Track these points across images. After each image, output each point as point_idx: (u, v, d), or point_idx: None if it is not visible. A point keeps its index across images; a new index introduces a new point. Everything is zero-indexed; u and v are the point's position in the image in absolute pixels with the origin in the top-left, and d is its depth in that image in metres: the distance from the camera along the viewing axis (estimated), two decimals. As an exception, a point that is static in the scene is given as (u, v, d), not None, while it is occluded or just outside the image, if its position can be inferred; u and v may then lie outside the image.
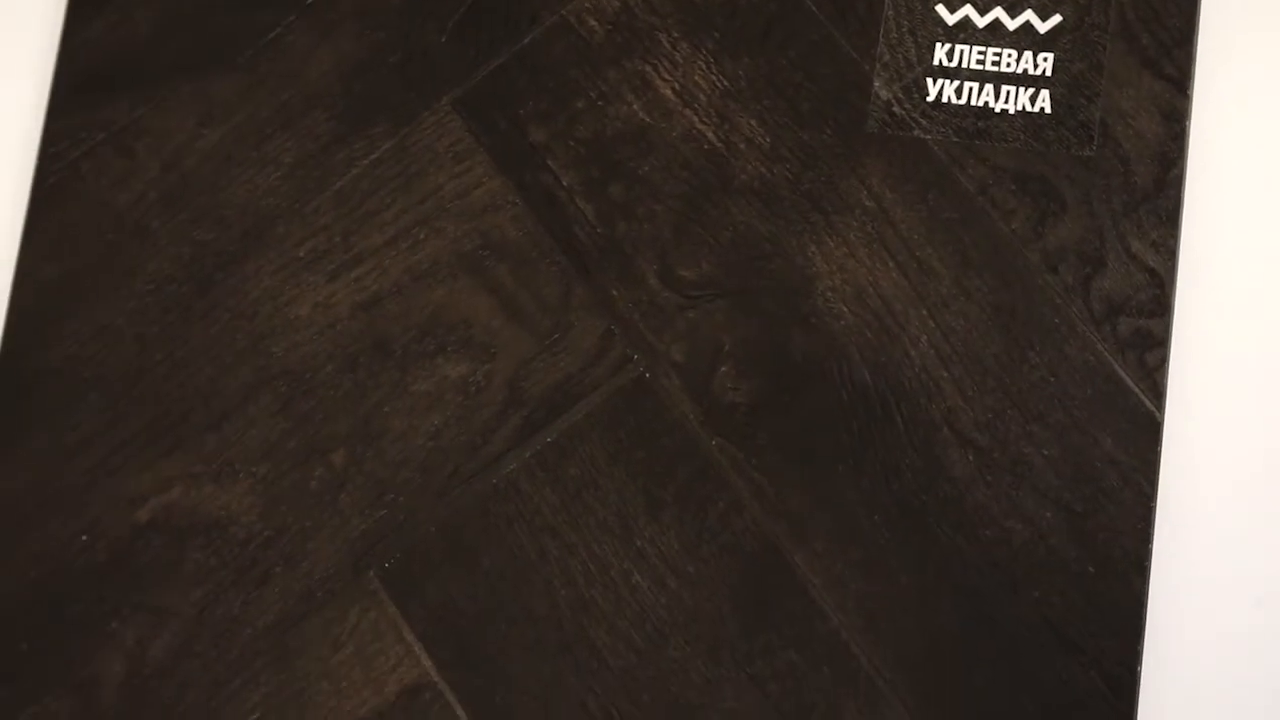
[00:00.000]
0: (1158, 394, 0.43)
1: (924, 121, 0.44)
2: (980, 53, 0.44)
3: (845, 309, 0.44)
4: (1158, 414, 0.43)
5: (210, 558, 0.46)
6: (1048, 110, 0.44)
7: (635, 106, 0.46)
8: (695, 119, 0.46)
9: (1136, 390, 0.43)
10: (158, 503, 0.47)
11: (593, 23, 0.47)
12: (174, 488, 0.47)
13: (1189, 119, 0.43)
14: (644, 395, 0.45)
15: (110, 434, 0.47)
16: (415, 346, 0.46)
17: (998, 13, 0.44)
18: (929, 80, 0.44)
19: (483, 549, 0.45)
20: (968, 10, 0.44)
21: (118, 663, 0.46)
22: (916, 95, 0.44)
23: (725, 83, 0.46)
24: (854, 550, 0.43)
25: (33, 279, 0.48)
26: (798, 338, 0.44)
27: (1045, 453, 0.43)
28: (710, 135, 0.46)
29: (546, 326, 0.46)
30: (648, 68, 0.46)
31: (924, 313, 0.44)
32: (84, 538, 0.47)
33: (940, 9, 0.44)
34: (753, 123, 0.45)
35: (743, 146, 0.45)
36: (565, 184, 0.46)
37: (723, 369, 0.45)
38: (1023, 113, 0.44)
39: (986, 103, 0.44)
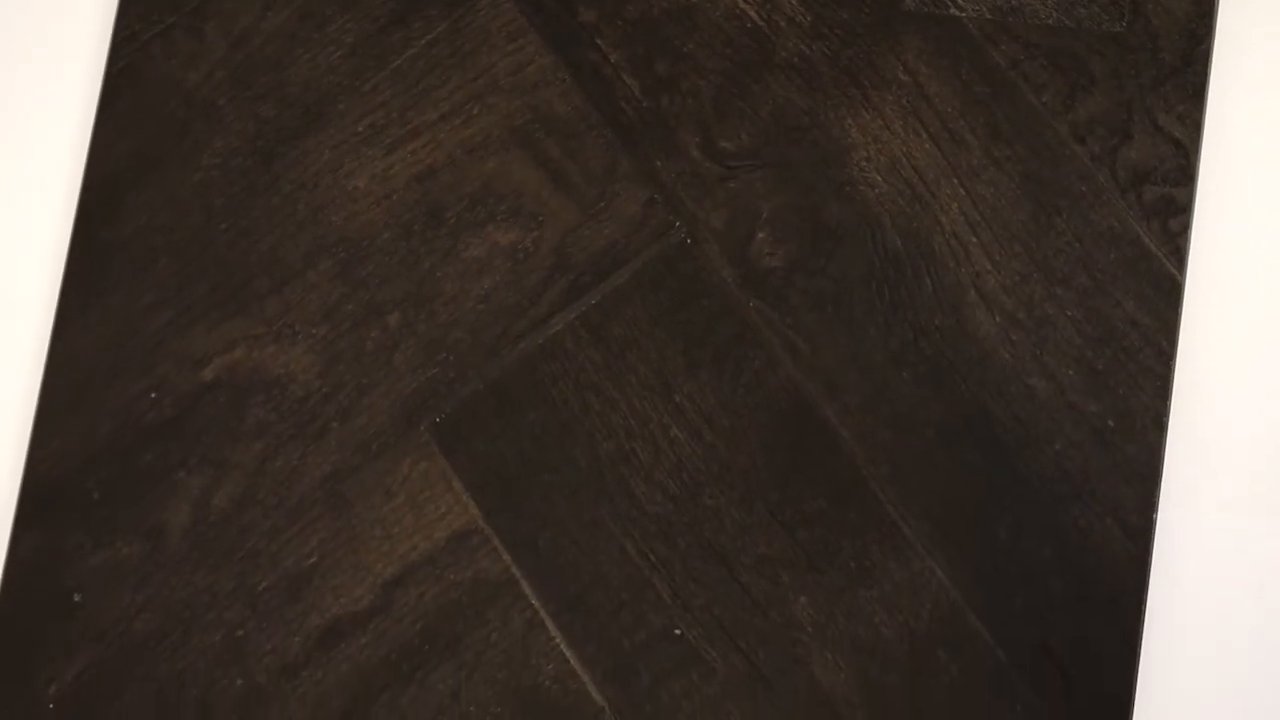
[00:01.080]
0: (1179, 259, 0.50)
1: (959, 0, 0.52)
2: (1014, -65, 0.51)
3: (879, 178, 0.51)
4: (1179, 278, 0.49)
5: (271, 413, 0.54)
6: (1080, -9, 0.50)
7: (680, -10, 0.53)
8: None
9: (1159, 254, 0.50)
10: (222, 362, 0.55)
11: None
12: (237, 348, 0.55)
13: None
14: (684, 260, 0.52)
15: (178, 298, 0.56)
16: (467, 215, 0.54)
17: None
18: (965, -37, 0.51)
19: (528, 404, 0.53)
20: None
21: (183, 511, 0.54)
22: (952, -23, 0.51)
23: (767, -33, 0.53)
24: (883, 405, 0.50)
25: (107, 154, 0.56)
26: (833, 206, 0.51)
27: (1069, 314, 0.50)
28: (752, 14, 0.53)
29: (592, 196, 0.53)
30: (693, -47, 0.54)
31: (955, 182, 0.51)
32: (152, 395, 0.55)
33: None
34: (793, 2, 0.53)
35: (783, 24, 0.53)
36: (612, 61, 0.54)
37: (760, 235, 0.52)
38: (1055, -6, 0.50)
39: (1020, -16, 0.50)
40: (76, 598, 0.54)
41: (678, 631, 0.51)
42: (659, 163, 0.52)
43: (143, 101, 0.57)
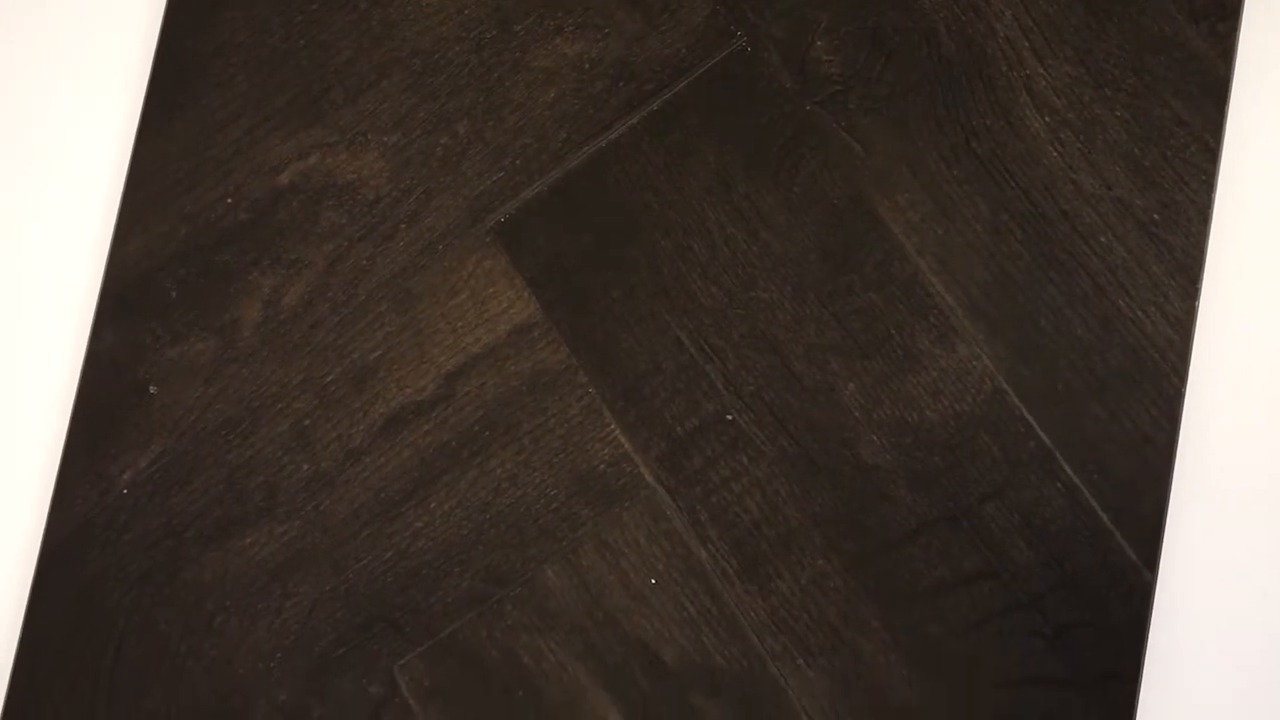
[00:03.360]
0: (1227, 61, 0.64)
1: None
2: None
3: (936, -10, 0.66)
4: (1227, 79, 0.63)
5: (342, 216, 0.70)
6: None
7: None
8: None
9: (1207, 56, 0.64)
10: (297, 169, 0.71)
11: None
12: (311, 155, 0.71)
13: None
14: (745, 67, 0.67)
15: (256, 109, 0.72)
16: (536, 28, 0.70)
17: None
18: None
19: (590, 205, 0.68)
20: None
21: (255, 309, 0.70)
22: None
23: None
24: (933, 201, 0.65)
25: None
26: (890, 14, 0.66)
27: (1118, 114, 0.64)
28: None
29: (656, 7, 0.68)
30: None
31: (1010, -8, 0.65)
32: (229, 200, 0.71)
33: None
34: None
35: None
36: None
37: (819, 43, 0.67)
38: None
39: None
40: (152, 390, 0.70)
41: (729, 417, 0.65)
42: (722, -24, 0.67)
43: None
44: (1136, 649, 0.61)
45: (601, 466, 0.67)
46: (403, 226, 0.71)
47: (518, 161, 0.71)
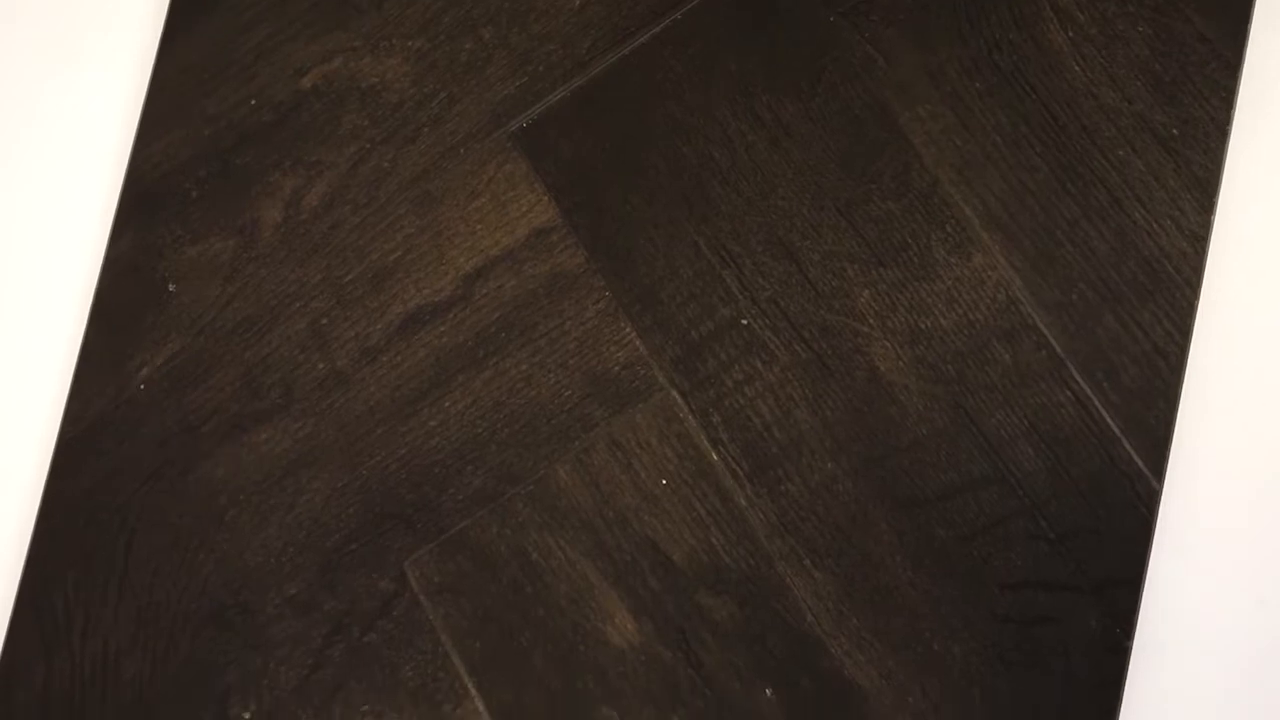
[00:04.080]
0: None
1: None
2: None
3: (963, -95, 0.71)
4: None
5: (364, 119, 0.75)
6: None
7: None
8: None
9: None
10: (320, 71, 0.76)
11: None
12: (335, 59, 0.76)
13: None
14: None
15: (280, 13, 0.77)
16: None
17: None
18: None
19: (613, 112, 0.73)
20: None
21: (276, 209, 0.75)
22: None
23: None
24: (953, 113, 0.69)
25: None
26: None
27: (1140, 29, 0.69)
28: None
29: None
30: None
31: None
32: (252, 102, 0.76)
33: None
34: None
35: None
36: None
37: None
38: None
39: None
40: (171, 288, 0.75)
41: (744, 322, 0.70)
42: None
43: None
44: (1140, 555, 0.66)
45: (616, 369, 0.72)
46: (425, 130, 0.76)
47: (541, 68, 0.75)
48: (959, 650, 0.67)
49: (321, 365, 0.76)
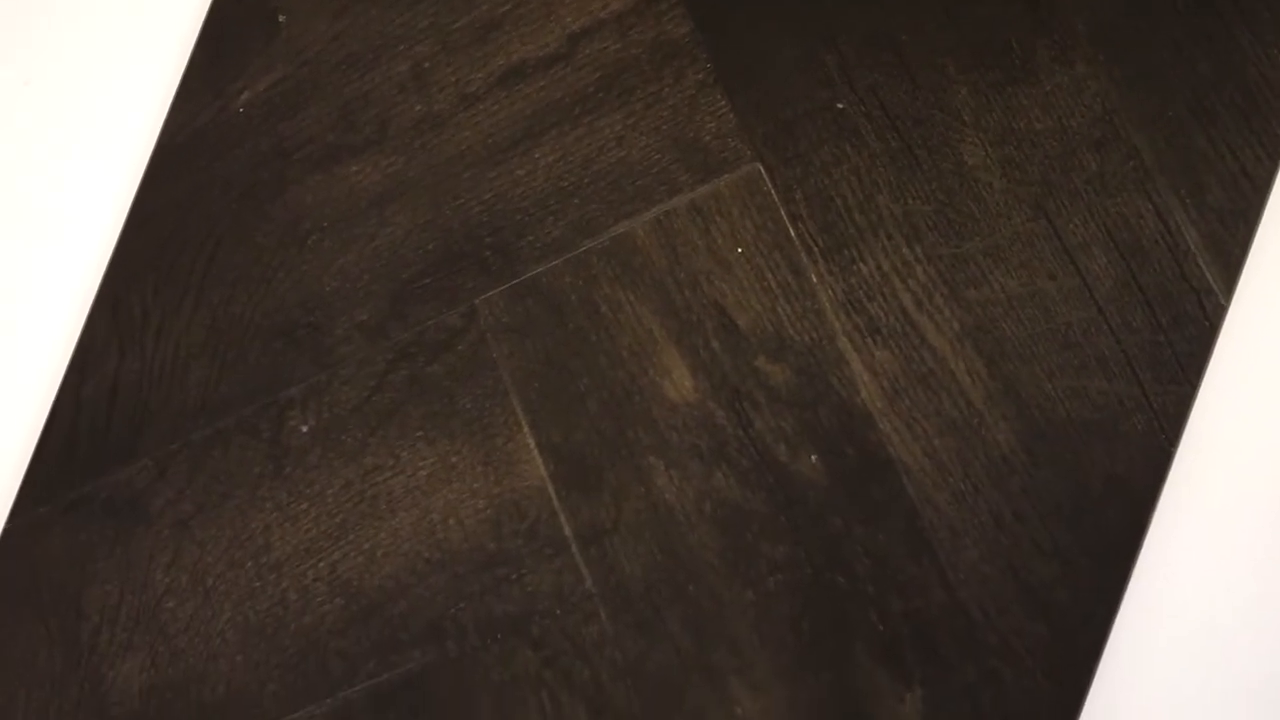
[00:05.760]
0: None
1: None
2: None
3: None
4: None
5: None
6: None
7: None
8: None
9: None
10: None
11: None
12: None
13: None
14: None
15: None
16: None
17: None
18: None
19: None
20: None
21: None
22: None
23: None
24: None
25: None
26: None
27: None
28: None
29: None
30: None
31: None
32: None
33: None
34: None
35: None
36: None
37: None
38: None
39: None
40: (281, 19, 0.85)
41: (840, 105, 0.79)
42: None
43: None
44: (1198, 368, 0.75)
45: (707, 138, 0.81)
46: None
47: None
48: (1004, 435, 0.76)
49: (419, 107, 0.86)
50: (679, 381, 0.84)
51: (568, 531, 0.84)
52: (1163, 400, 0.79)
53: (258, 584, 0.89)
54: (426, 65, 0.91)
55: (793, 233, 0.84)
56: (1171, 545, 0.79)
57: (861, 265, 0.83)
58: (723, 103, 0.87)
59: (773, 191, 0.85)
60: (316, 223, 0.91)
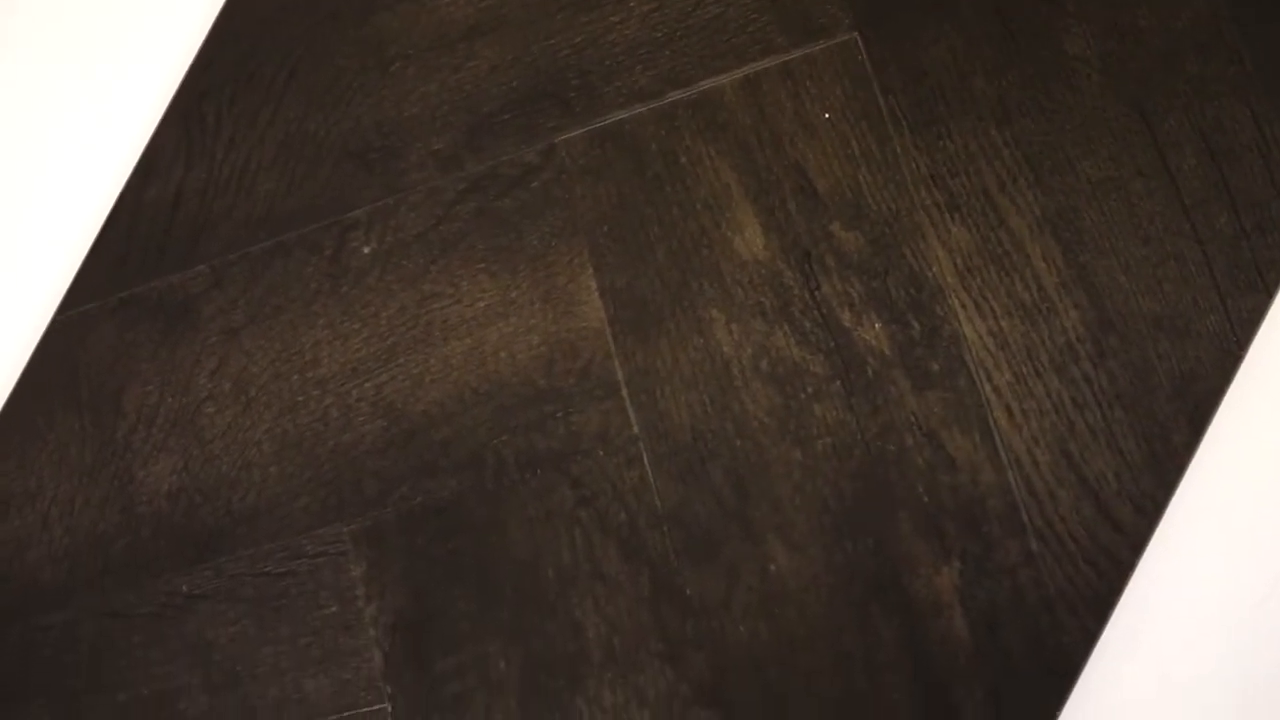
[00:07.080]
0: None
1: None
2: None
3: None
4: None
5: None
6: None
7: None
8: None
9: None
10: None
11: None
12: None
13: None
14: None
15: None
16: None
17: None
18: None
19: None
20: None
21: None
22: None
23: None
24: None
25: None
26: None
27: None
28: None
29: None
30: None
31: None
32: None
33: None
34: None
35: None
36: None
37: None
38: None
39: None
40: None
41: None
42: None
43: None
44: (1279, 271, 0.76)
45: (809, 3, 0.84)
46: None
47: None
48: (1072, 322, 0.78)
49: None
50: (750, 239, 0.86)
51: (620, 375, 0.86)
52: (1238, 304, 0.80)
53: (300, 398, 0.91)
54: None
55: (882, 104, 0.86)
56: (1229, 450, 0.80)
57: (948, 142, 0.85)
58: (825, -29, 0.89)
59: (867, 63, 0.87)
60: (402, 49, 0.93)
